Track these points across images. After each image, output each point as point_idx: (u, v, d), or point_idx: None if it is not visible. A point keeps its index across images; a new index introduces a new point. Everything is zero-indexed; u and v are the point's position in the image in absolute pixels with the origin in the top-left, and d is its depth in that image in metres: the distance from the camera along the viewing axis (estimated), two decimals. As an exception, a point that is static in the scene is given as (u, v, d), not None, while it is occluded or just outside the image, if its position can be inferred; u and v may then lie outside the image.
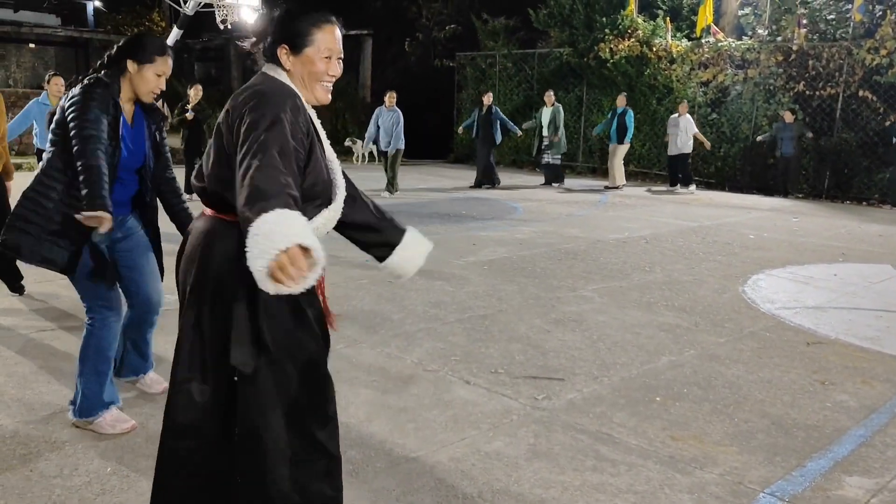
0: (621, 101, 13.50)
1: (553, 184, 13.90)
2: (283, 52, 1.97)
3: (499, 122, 13.20)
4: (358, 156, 17.35)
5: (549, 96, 13.72)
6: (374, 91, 20.98)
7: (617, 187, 13.56)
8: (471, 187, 13.28)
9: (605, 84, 15.85)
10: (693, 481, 2.85)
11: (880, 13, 13.11)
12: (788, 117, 12.78)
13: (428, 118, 18.50)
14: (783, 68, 13.63)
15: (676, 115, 13.32)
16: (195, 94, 10.14)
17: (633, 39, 15.43)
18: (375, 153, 14.63)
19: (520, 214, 10.11)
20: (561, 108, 13.69)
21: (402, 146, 11.56)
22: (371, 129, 11.71)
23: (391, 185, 11.62)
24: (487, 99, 13.34)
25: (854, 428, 3.43)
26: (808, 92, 13.31)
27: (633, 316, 5.21)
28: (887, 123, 12.28)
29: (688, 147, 13.25)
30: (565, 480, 2.83)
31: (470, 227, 8.93)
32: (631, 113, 13.45)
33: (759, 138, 13.38)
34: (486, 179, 13.37)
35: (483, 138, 13.25)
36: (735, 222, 9.98)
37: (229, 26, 15.43)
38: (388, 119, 11.48)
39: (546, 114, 13.64)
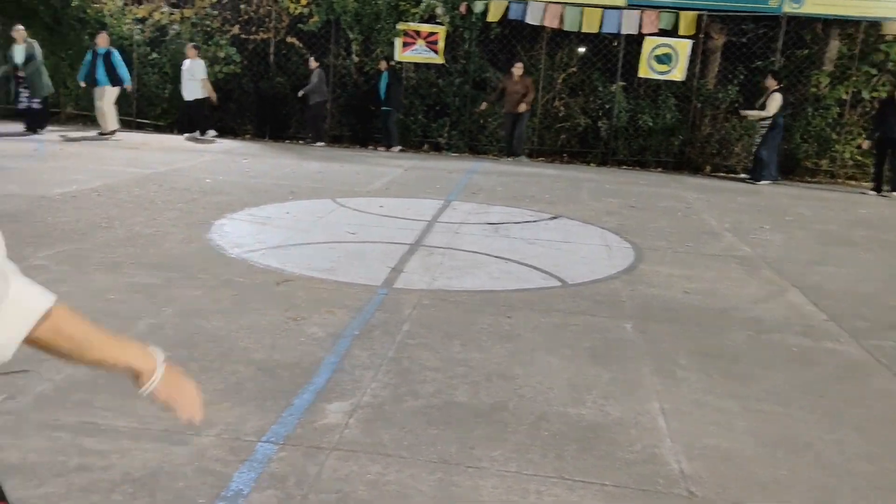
0: (103, 40, 12.09)
1: (37, 130, 11.96)
2: None
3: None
4: None
5: (19, 32, 11.68)
6: None
7: (111, 132, 12.22)
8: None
9: (26, 15, 13.80)
10: (191, 450, 2.80)
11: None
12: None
13: None
14: (218, 10, 13.86)
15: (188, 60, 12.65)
16: None
17: (50, -36, 13.71)
18: None
19: (-70, 171, 8.28)
20: (37, 44, 11.83)
21: None
22: None
23: None
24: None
25: (327, 356, 3.81)
26: (243, 35, 13.84)
27: (99, 281, 4.79)
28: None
29: (198, 93, 12.69)
30: (49, 493, 2.48)
31: None
32: (117, 53, 12.17)
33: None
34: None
35: None
36: (190, 167, 9.95)
37: None
38: None
39: (19, 52, 11.62)
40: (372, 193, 8.85)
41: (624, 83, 13.49)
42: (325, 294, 4.86)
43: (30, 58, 11.78)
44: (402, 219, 7.38)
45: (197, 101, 12.89)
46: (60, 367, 3.45)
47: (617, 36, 13.17)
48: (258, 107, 14.05)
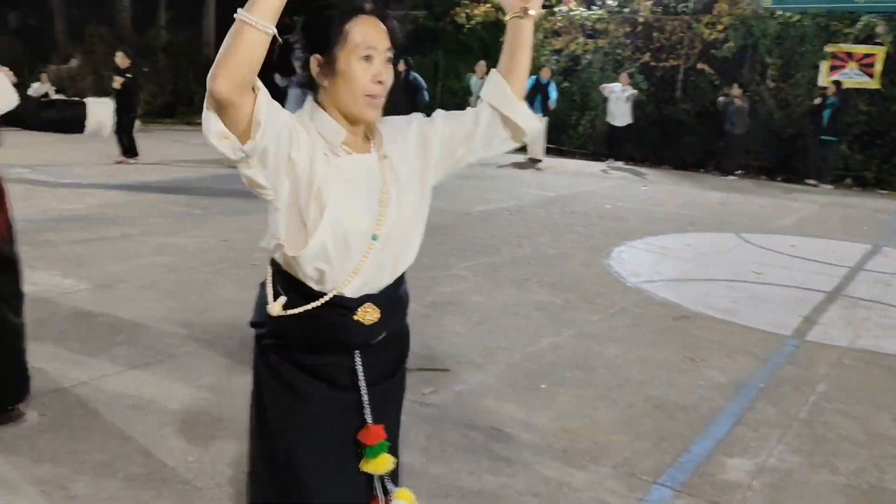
0: (546, 72, 13.05)
1: None
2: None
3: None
4: None
5: (481, 66, 13.32)
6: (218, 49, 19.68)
7: (539, 160, 13.27)
8: None
9: (462, 49, 15.79)
10: (589, 477, 2.83)
11: (717, -11, 13.87)
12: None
13: (279, 79, 17.64)
14: (630, 39, 14.17)
15: (618, 85, 13.00)
16: (121, 61, 10.45)
17: (488, 5, 15.44)
18: None
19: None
20: None
21: None
22: None
23: None
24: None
25: (727, 405, 3.56)
26: (652, 63, 13.92)
27: (508, 294, 5.19)
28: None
29: (627, 119, 12.95)
30: (463, 487, 2.72)
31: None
32: (554, 85, 13.11)
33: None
34: None
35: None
36: (591, 191, 10.30)
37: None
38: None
39: (475, 83, 13.27)
40: (781, 230, 8.14)
41: None
42: (726, 336, 4.57)
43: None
44: (818, 262, 6.64)
45: (624, 127, 13.12)
46: (475, 373, 3.80)
47: None
48: (660, 133, 13.98)
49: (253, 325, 1.64)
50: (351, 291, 1.52)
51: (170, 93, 17.74)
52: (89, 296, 4.62)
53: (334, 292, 1.51)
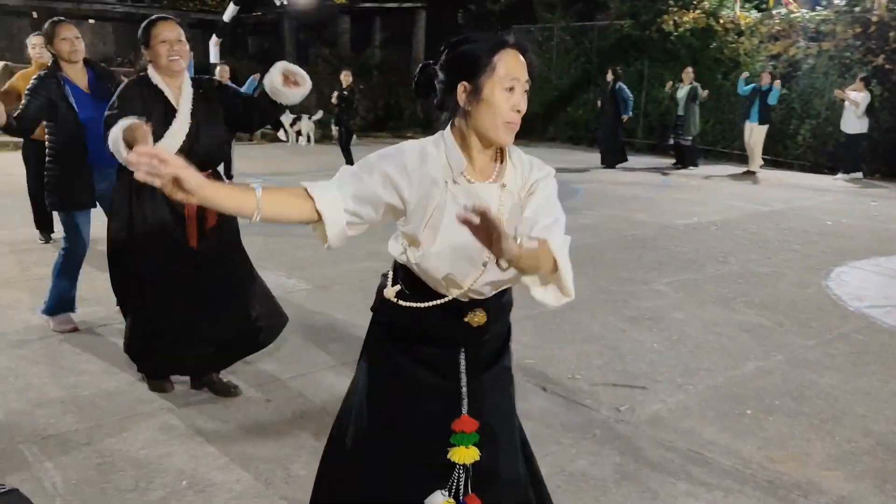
0: (766, 78, 12.33)
1: (689, 167, 13.10)
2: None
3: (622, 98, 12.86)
4: (292, 136, 16.23)
5: (688, 73, 12.98)
6: (427, 65, 20.64)
7: (754, 172, 12.64)
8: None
9: (668, 58, 15.26)
10: (799, 512, 2.65)
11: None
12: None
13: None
14: (861, 41, 12.90)
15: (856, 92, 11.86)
16: (345, 78, 11.49)
17: (698, 11, 14.80)
18: None
19: (581, 197, 9.81)
20: (700, 87, 12.87)
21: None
22: None
23: None
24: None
25: (969, 451, 3.16)
26: (887, 66, 12.58)
27: (711, 313, 4.95)
28: None
29: (858, 128, 11.83)
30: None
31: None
32: (776, 91, 12.24)
33: None
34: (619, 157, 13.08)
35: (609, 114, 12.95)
36: (809, 206, 9.52)
37: (284, 1, 15.38)
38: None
39: (682, 91, 12.90)
40: None
41: None
42: (971, 373, 4.04)
43: (691, 98, 12.72)
44: None
45: (855, 136, 11.98)
46: (674, 392, 3.68)
47: None
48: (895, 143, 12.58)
49: (372, 309, 1.86)
50: (461, 297, 1.70)
51: (381, 108, 18.90)
52: (308, 295, 5.07)
53: (446, 298, 1.69)
